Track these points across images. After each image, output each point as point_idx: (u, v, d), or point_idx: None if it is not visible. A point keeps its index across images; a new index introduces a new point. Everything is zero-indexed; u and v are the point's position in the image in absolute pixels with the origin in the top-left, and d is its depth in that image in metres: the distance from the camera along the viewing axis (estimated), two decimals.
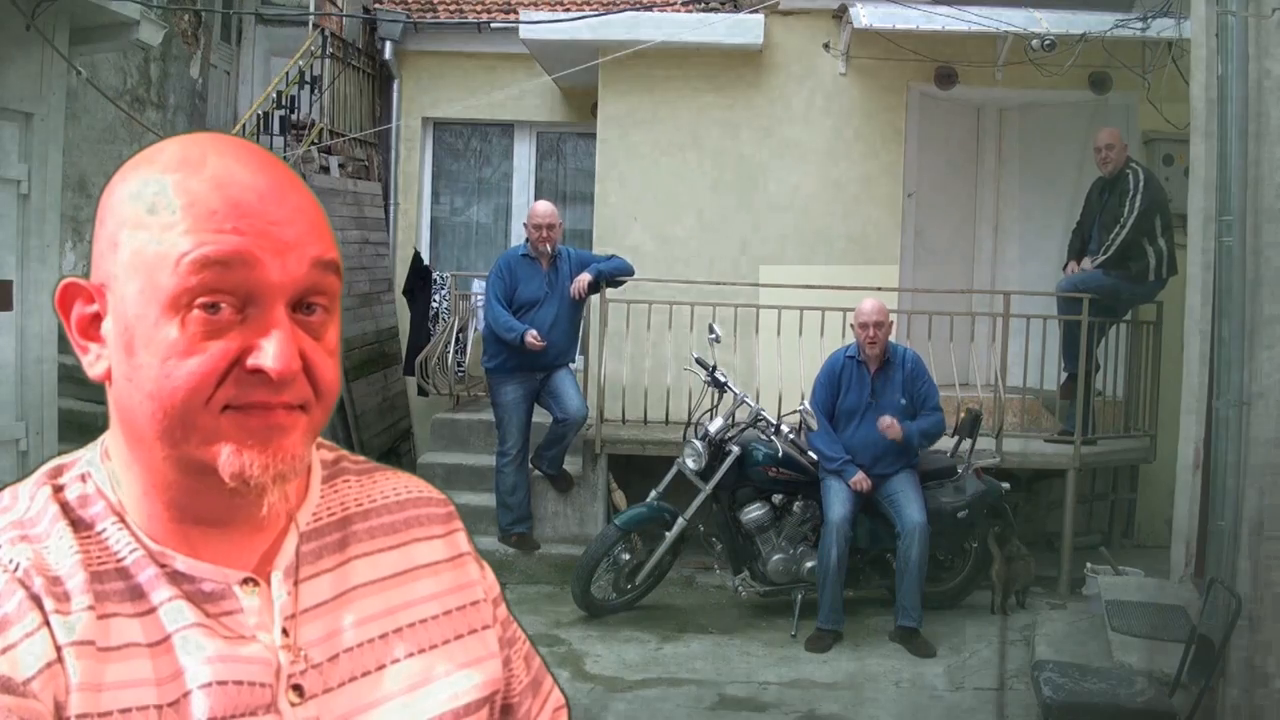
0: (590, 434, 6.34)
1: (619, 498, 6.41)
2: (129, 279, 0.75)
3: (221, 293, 0.74)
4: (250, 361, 0.74)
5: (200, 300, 0.74)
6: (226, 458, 0.75)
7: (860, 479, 5.19)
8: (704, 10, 7.69)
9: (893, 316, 5.48)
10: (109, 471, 0.81)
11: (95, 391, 0.80)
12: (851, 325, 5.43)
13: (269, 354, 0.74)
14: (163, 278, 0.74)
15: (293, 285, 0.76)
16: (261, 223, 0.76)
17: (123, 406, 0.77)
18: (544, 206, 6.01)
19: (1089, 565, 5.69)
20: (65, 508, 0.79)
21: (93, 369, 0.78)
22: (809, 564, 5.38)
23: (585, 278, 5.90)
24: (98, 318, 0.78)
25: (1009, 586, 5.60)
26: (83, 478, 0.81)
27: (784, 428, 5.46)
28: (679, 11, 7.76)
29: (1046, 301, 6.46)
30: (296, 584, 0.83)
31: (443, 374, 7.23)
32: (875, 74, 6.98)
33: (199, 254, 0.74)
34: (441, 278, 7.77)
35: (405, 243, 8.71)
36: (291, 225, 0.77)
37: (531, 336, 5.74)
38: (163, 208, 0.75)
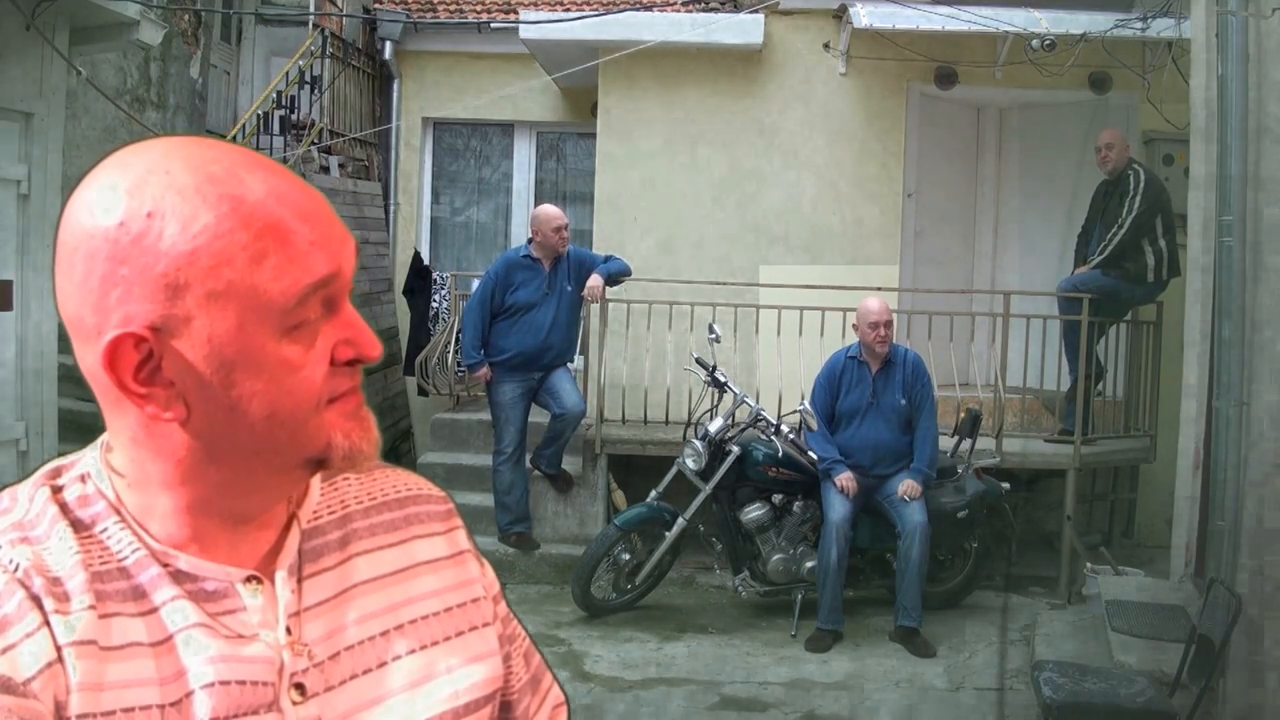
0: (590, 434, 6.34)
1: (619, 498, 6.41)
2: (216, 318, 0.73)
3: (318, 306, 0.77)
4: (349, 355, 0.79)
5: (303, 320, 0.76)
6: (338, 444, 0.79)
7: (846, 478, 5.18)
8: (704, 10, 7.69)
9: (893, 316, 5.49)
10: (112, 478, 0.80)
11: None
12: (854, 326, 5.41)
13: (366, 343, 0.80)
14: (267, 310, 0.74)
15: (351, 275, 0.80)
16: (324, 228, 0.78)
17: (211, 437, 0.76)
18: (555, 209, 6.01)
19: (1089, 565, 5.69)
20: (64, 508, 0.79)
21: (165, 414, 0.75)
22: (809, 564, 5.38)
23: (600, 281, 5.91)
24: (145, 362, 0.74)
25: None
26: (82, 478, 0.80)
27: (784, 428, 5.46)
28: (679, 11, 7.75)
29: (1047, 301, 6.46)
30: (300, 582, 0.83)
31: (443, 374, 7.22)
32: (875, 74, 6.98)
33: (307, 281, 0.75)
34: (441, 278, 7.77)
35: (405, 243, 8.71)
36: (335, 222, 0.80)
37: (482, 373, 5.92)
38: (236, 241, 0.73)
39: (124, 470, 0.80)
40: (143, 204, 0.73)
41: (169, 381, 0.74)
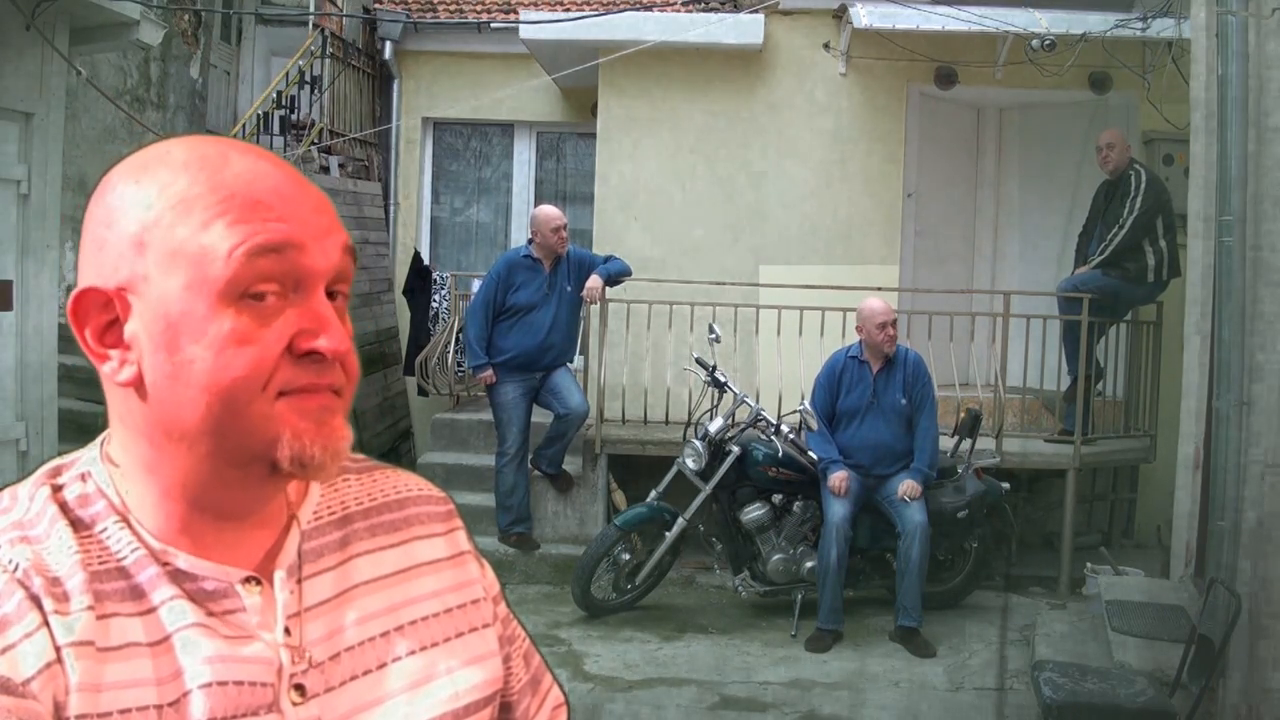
0: (590, 434, 6.34)
1: (619, 498, 6.40)
2: (168, 276, 0.75)
3: (273, 280, 0.75)
4: (308, 344, 0.76)
5: (252, 289, 0.75)
6: (286, 442, 0.76)
7: (839, 478, 5.17)
8: (704, 10, 7.69)
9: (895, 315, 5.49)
10: (110, 471, 0.81)
11: (95, 391, 0.79)
12: (857, 329, 5.38)
13: (326, 336, 0.76)
14: (213, 270, 0.74)
15: (330, 270, 0.79)
16: (301, 210, 0.78)
17: (162, 407, 0.76)
18: (554, 209, 6.02)
19: (1089, 565, 5.69)
20: (64, 508, 0.79)
21: (119, 375, 0.76)
22: (809, 564, 5.38)
23: (599, 282, 5.92)
24: (114, 323, 0.77)
25: None
26: (82, 477, 0.81)
27: (784, 428, 5.45)
28: (679, 11, 7.75)
29: (1047, 301, 6.45)
30: (299, 583, 0.83)
31: (443, 374, 7.23)
32: (875, 74, 6.98)
33: (253, 243, 0.75)
34: (441, 278, 7.77)
35: (405, 243, 8.71)
36: (323, 213, 0.79)
37: (486, 375, 5.90)
38: (199, 203, 0.75)
39: (118, 458, 0.81)
40: (136, 176, 0.77)
41: (127, 344, 0.76)
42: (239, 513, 0.81)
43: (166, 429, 0.77)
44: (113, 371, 0.77)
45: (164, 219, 0.75)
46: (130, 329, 0.76)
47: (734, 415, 5.52)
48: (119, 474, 0.80)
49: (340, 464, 0.79)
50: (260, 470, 0.77)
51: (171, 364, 0.75)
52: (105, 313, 0.76)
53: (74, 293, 0.77)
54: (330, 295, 0.80)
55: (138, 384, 0.76)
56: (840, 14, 6.88)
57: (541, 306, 5.88)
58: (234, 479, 0.78)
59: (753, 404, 5.58)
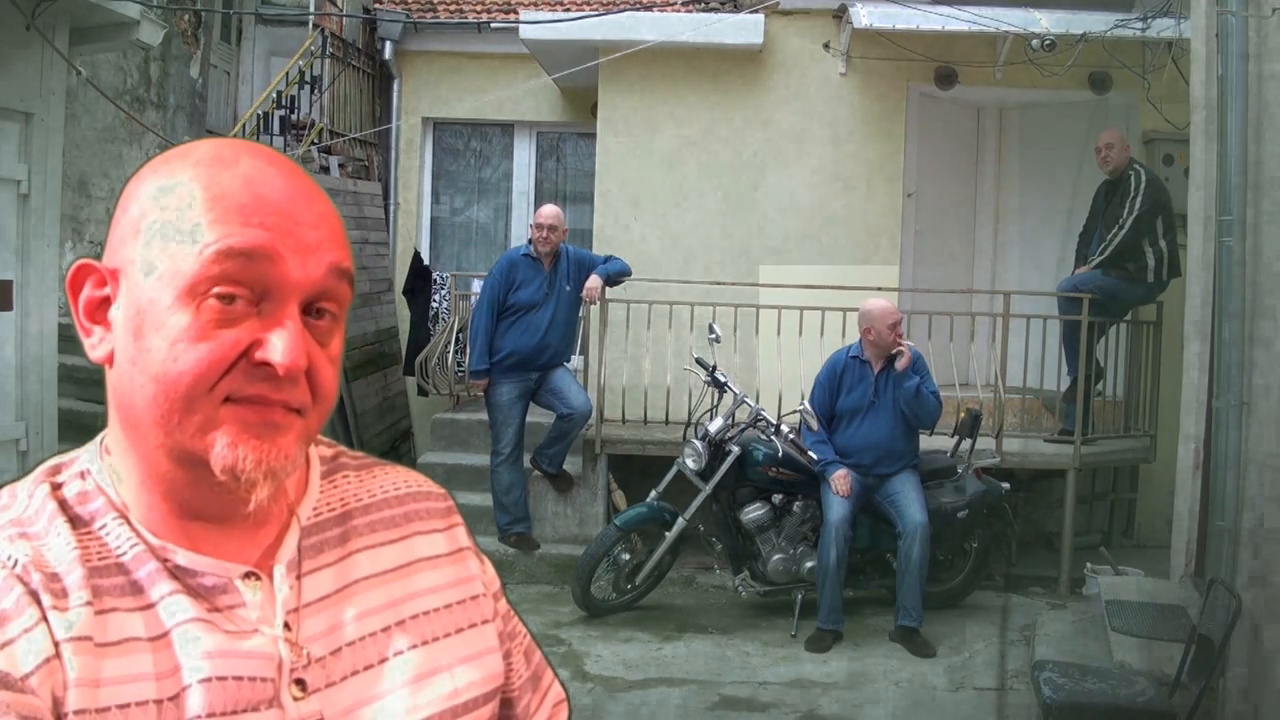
0: (590, 434, 6.33)
1: (619, 498, 6.40)
2: (148, 264, 0.76)
3: (239, 284, 0.75)
4: (259, 354, 0.75)
5: (217, 290, 0.75)
6: (220, 449, 0.75)
7: (840, 477, 5.17)
8: (704, 10, 7.69)
9: None
10: (109, 467, 0.81)
11: (95, 391, 0.81)
12: (865, 330, 5.31)
13: (278, 349, 0.75)
14: (184, 265, 0.75)
15: (309, 286, 0.78)
16: (287, 221, 0.77)
17: (123, 391, 0.78)
18: (549, 209, 6.04)
19: (1089, 565, 5.69)
20: (63, 505, 0.79)
21: (95, 351, 0.79)
22: (809, 564, 5.38)
23: (599, 282, 5.93)
24: (106, 301, 0.79)
25: None
26: (81, 475, 0.81)
27: (784, 428, 5.45)
28: (679, 11, 7.75)
29: (1047, 301, 6.46)
30: (299, 578, 0.83)
31: (443, 374, 7.22)
32: (875, 74, 6.98)
33: (224, 244, 0.75)
34: (441, 278, 7.77)
35: (405, 243, 8.71)
36: (315, 229, 0.79)
37: (480, 383, 5.99)
38: (191, 199, 0.76)
39: (109, 441, 0.82)
40: (158, 166, 0.80)
41: (110, 324, 0.79)
42: (211, 513, 0.80)
43: (125, 414, 0.78)
44: (91, 347, 0.79)
45: (160, 210, 0.77)
46: (114, 309, 0.78)
47: (734, 415, 5.52)
48: (112, 461, 0.81)
49: (279, 483, 0.78)
50: (208, 474, 0.76)
51: (134, 349, 0.76)
52: (99, 290, 0.79)
53: (74, 264, 0.79)
54: (319, 314, 0.79)
55: (109, 363, 0.79)
56: (840, 14, 6.88)
57: (541, 306, 5.89)
58: (186, 478, 0.78)
59: (753, 404, 5.58)
